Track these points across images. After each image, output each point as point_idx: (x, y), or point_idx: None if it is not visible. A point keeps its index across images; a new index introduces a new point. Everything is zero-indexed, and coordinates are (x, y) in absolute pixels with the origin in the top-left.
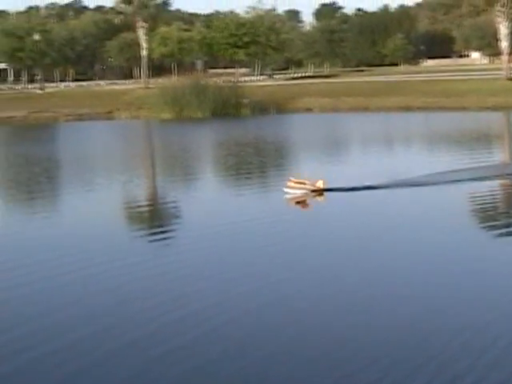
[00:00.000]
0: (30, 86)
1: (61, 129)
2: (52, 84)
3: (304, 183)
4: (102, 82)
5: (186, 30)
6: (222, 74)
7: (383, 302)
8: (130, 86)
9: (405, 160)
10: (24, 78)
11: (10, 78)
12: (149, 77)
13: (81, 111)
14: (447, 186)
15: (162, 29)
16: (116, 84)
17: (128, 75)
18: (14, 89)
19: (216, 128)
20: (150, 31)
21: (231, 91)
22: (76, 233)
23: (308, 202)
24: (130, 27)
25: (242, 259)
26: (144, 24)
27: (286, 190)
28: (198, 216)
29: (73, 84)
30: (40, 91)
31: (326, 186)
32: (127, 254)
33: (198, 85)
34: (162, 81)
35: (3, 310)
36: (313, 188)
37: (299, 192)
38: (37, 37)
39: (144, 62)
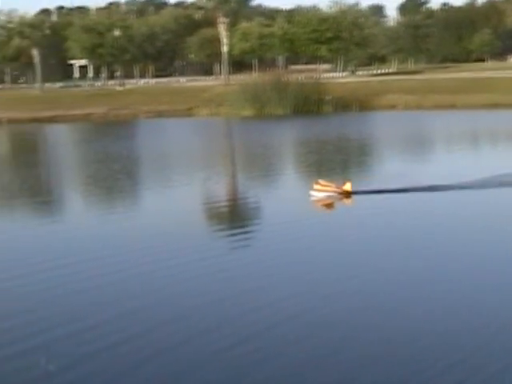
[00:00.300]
0: (109, 83)
1: (140, 126)
2: (132, 80)
3: (331, 186)
4: (181, 79)
5: (267, 26)
6: (303, 71)
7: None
8: (210, 83)
9: (482, 160)
10: (104, 74)
11: (90, 74)
12: (229, 73)
13: (160, 108)
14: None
15: (243, 24)
16: (196, 80)
17: (208, 71)
18: (94, 85)
19: (297, 125)
20: (231, 27)
21: (313, 88)
22: (153, 229)
23: (339, 203)
24: (210, 23)
25: (322, 259)
26: (225, 19)
27: (312, 192)
28: (277, 214)
29: (152, 80)
30: (120, 88)
31: (354, 189)
32: (205, 252)
33: (279, 81)
34: (242, 77)
35: (82, 298)
36: (340, 191)
37: (325, 194)
38: (117, 33)
39: (224, 58)
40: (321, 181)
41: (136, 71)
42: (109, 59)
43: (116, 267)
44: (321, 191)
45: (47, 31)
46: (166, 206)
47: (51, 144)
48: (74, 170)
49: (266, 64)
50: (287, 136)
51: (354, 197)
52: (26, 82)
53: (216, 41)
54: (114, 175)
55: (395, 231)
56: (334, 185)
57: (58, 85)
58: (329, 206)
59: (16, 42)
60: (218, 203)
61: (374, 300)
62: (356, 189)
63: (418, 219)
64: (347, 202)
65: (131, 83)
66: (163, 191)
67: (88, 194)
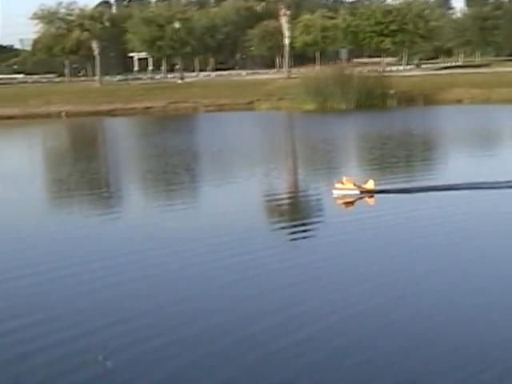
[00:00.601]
0: (169, 76)
1: (200, 120)
2: (192, 73)
3: (354, 184)
4: (242, 72)
5: (329, 18)
6: (367, 64)
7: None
8: (272, 76)
9: None
10: (163, 67)
11: (150, 67)
12: (291, 66)
13: (221, 102)
14: None
15: (305, 16)
16: (257, 74)
17: (269, 65)
18: (154, 78)
19: (360, 120)
20: (293, 19)
21: (377, 82)
22: (210, 223)
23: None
24: (272, 15)
25: (383, 255)
26: (287, 11)
27: (334, 190)
28: (336, 209)
29: (213, 74)
30: (180, 81)
31: (377, 188)
32: (263, 247)
33: (342, 75)
34: (304, 70)
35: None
36: (362, 189)
37: (348, 193)
38: (177, 25)
39: (286, 50)
40: (345, 178)
41: (196, 64)
42: (168, 52)
43: (169, 258)
44: (343, 189)
45: (107, 23)
46: (225, 200)
47: (110, 137)
48: (133, 163)
49: (328, 57)
50: (349, 131)
51: (379, 196)
52: (85, 75)
53: (278, 33)
54: (173, 169)
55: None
56: (356, 183)
57: (118, 78)
58: (387, 202)
59: (75, 34)
60: (277, 198)
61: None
62: (380, 187)
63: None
64: (370, 201)
65: (191, 76)
66: (222, 185)
67: (146, 187)
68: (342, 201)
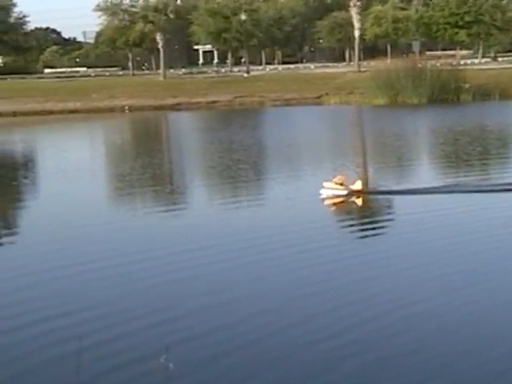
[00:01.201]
0: (235, 69)
1: (267, 114)
2: (258, 67)
3: (342, 184)
4: (311, 65)
5: (401, 9)
6: (440, 57)
7: None
8: (341, 70)
9: None
10: (229, 60)
11: (215, 60)
12: (361, 59)
13: (288, 96)
14: None
15: (376, 7)
16: (326, 67)
17: (338, 58)
18: (219, 72)
19: (432, 115)
20: (363, 10)
21: (450, 75)
22: (273, 219)
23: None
24: (342, 6)
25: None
26: (357, 2)
27: (322, 191)
28: (405, 206)
29: (280, 67)
30: (246, 74)
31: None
32: (328, 242)
33: (414, 68)
34: (375, 64)
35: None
36: (351, 190)
37: (335, 193)
38: (243, 17)
39: (356, 43)
40: (335, 178)
41: (263, 57)
42: (234, 44)
43: (232, 255)
44: (331, 189)
45: (171, 15)
46: (290, 196)
47: (174, 132)
48: (197, 158)
49: (400, 50)
50: (421, 126)
51: (369, 197)
52: (148, 69)
53: (347, 25)
54: (237, 164)
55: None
56: (345, 183)
57: (182, 71)
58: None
59: (139, 26)
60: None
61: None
62: (369, 188)
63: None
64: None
65: (258, 70)
66: (288, 182)
67: (210, 183)
68: (330, 201)
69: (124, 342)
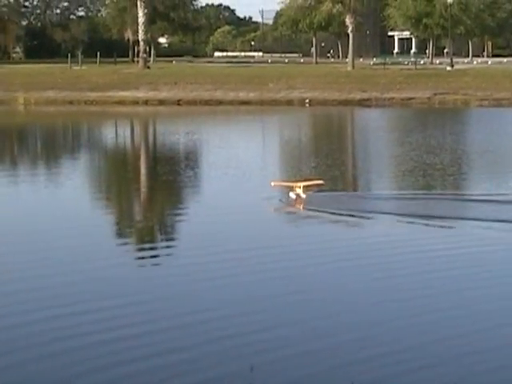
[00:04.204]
0: (436, 61)
1: (471, 116)
2: (463, 59)
3: (292, 186)
4: None
5: None
6: None
7: None
8: None
9: None
10: (429, 50)
11: (413, 50)
12: None
13: (499, 95)
14: None
15: None
16: None
17: None
18: (417, 63)
19: None
20: None
21: None
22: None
23: None
24: None
25: None
26: None
27: (291, 193)
28: None
29: (490, 60)
30: (449, 68)
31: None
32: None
33: None
34: None
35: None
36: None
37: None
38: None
39: None
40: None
41: (470, 48)
42: (437, 32)
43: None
44: (292, 191)
45: None
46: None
47: (359, 131)
48: (385, 162)
49: None
50: None
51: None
52: (334, 56)
53: None
54: (433, 171)
55: None
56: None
57: (373, 61)
58: None
59: (327, 7)
60: None
61: None
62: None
63: None
64: None
65: (463, 63)
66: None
67: (400, 189)
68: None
69: None
